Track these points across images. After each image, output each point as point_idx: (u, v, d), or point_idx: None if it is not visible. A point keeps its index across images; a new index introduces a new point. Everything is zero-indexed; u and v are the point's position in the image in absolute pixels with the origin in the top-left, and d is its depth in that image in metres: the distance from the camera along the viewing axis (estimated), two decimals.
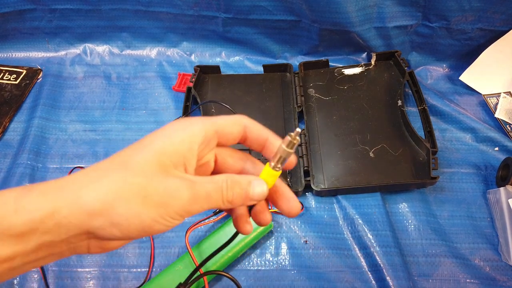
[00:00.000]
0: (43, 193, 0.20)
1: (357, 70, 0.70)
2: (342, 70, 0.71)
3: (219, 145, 0.26)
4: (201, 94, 0.68)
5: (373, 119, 0.65)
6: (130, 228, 0.21)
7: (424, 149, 0.59)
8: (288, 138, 0.25)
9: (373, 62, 0.71)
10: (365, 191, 0.58)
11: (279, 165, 0.26)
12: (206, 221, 0.54)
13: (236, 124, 0.26)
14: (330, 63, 0.71)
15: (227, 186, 0.23)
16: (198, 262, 0.48)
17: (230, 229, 0.52)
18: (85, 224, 0.20)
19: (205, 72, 0.71)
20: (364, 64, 0.71)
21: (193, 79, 0.68)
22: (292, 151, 0.25)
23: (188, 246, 0.50)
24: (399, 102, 0.65)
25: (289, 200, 0.27)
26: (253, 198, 0.24)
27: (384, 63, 0.71)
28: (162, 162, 0.21)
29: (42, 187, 0.21)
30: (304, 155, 0.60)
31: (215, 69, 0.71)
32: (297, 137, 0.25)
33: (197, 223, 0.55)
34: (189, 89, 0.67)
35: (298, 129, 0.25)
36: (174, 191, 0.21)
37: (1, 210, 0.20)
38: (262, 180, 0.25)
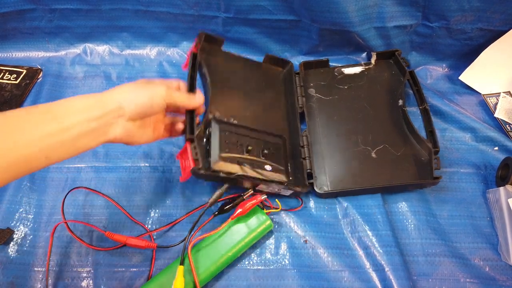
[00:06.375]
0: (95, 94, 0.41)
1: (357, 70, 0.70)
2: (342, 70, 0.70)
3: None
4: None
5: (375, 119, 0.64)
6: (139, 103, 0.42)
7: (426, 149, 0.59)
8: None
9: (373, 62, 0.70)
10: (367, 192, 0.58)
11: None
12: (207, 233, 0.54)
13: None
14: (330, 63, 0.71)
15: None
16: (196, 275, 0.48)
17: (230, 232, 0.52)
18: (118, 101, 0.41)
19: (209, 42, 0.60)
20: (364, 64, 0.71)
21: (198, 45, 0.56)
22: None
23: (190, 259, 0.49)
24: (400, 102, 0.64)
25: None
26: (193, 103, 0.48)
27: (385, 62, 0.71)
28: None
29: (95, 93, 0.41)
30: (307, 157, 0.60)
31: (219, 42, 0.62)
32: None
33: (198, 228, 0.55)
34: (194, 55, 0.54)
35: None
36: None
37: (84, 100, 0.40)
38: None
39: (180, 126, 0.50)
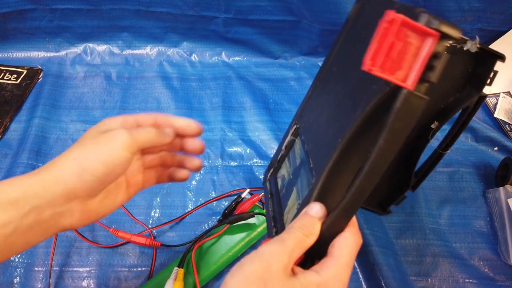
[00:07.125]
0: (28, 174, 0.28)
1: None
2: None
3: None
4: None
5: None
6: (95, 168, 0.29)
7: (405, 183, 0.45)
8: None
9: (470, 46, 0.36)
10: None
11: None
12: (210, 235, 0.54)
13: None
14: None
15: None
16: (197, 278, 0.48)
17: (230, 232, 0.52)
18: (64, 180, 0.28)
19: None
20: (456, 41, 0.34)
21: None
22: None
23: (193, 262, 0.49)
24: (435, 124, 0.44)
25: None
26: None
27: (474, 59, 0.43)
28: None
29: (27, 173, 0.29)
30: None
31: None
32: None
33: (203, 235, 0.55)
34: None
35: None
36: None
37: None
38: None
39: (183, 173, 0.37)
